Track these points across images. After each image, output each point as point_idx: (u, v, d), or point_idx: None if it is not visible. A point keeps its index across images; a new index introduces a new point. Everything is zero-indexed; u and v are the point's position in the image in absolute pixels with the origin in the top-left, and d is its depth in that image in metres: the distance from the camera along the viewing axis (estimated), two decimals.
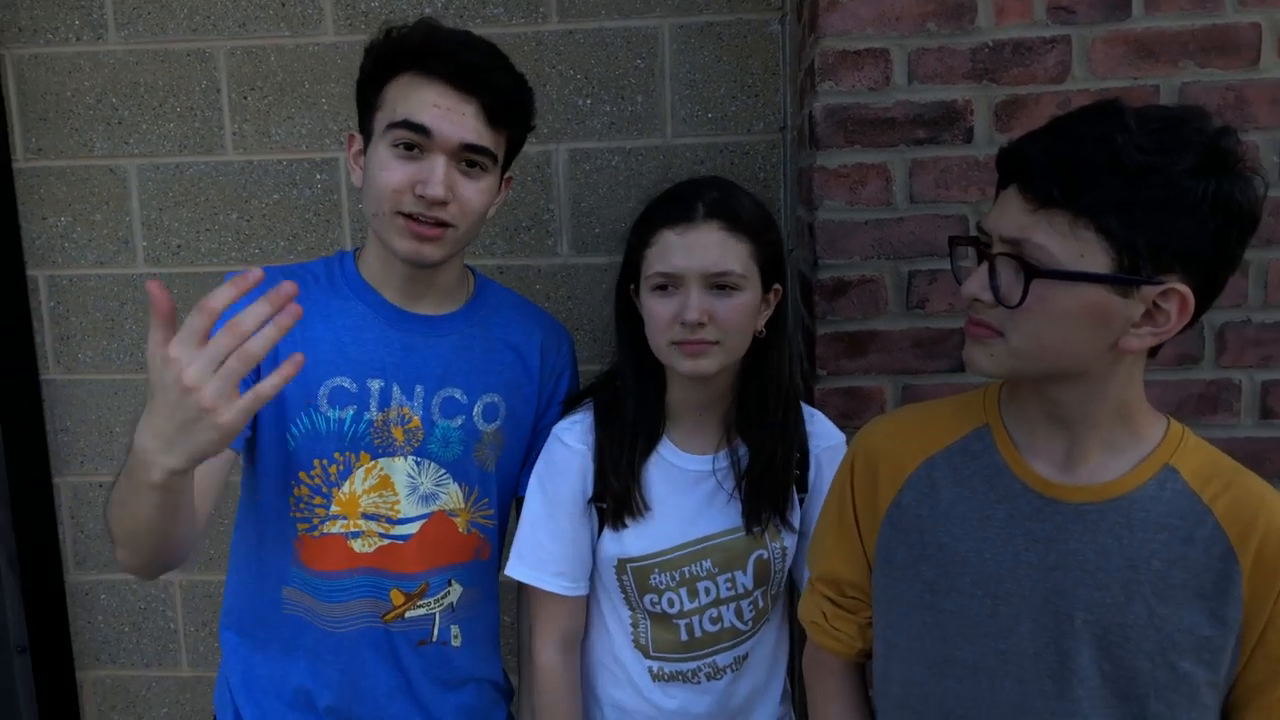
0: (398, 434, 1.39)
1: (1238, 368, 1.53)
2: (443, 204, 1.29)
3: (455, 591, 1.46)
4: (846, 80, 1.52)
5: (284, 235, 2.10)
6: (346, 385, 1.38)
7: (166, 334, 0.96)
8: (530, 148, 2.04)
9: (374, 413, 1.38)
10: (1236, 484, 1.02)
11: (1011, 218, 0.97)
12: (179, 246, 2.13)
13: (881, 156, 1.53)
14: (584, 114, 2.03)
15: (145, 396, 1.05)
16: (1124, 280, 0.93)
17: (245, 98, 2.08)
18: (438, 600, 1.44)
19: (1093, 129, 0.94)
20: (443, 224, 1.31)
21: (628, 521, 1.42)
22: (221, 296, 0.95)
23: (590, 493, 1.43)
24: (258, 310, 0.95)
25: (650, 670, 1.46)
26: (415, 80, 1.29)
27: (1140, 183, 0.90)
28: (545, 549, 1.44)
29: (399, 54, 1.31)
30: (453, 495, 1.43)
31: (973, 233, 1.07)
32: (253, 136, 2.08)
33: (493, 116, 1.31)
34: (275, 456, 1.38)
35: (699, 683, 1.46)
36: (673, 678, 1.46)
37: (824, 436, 1.47)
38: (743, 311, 1.33)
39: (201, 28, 2.06)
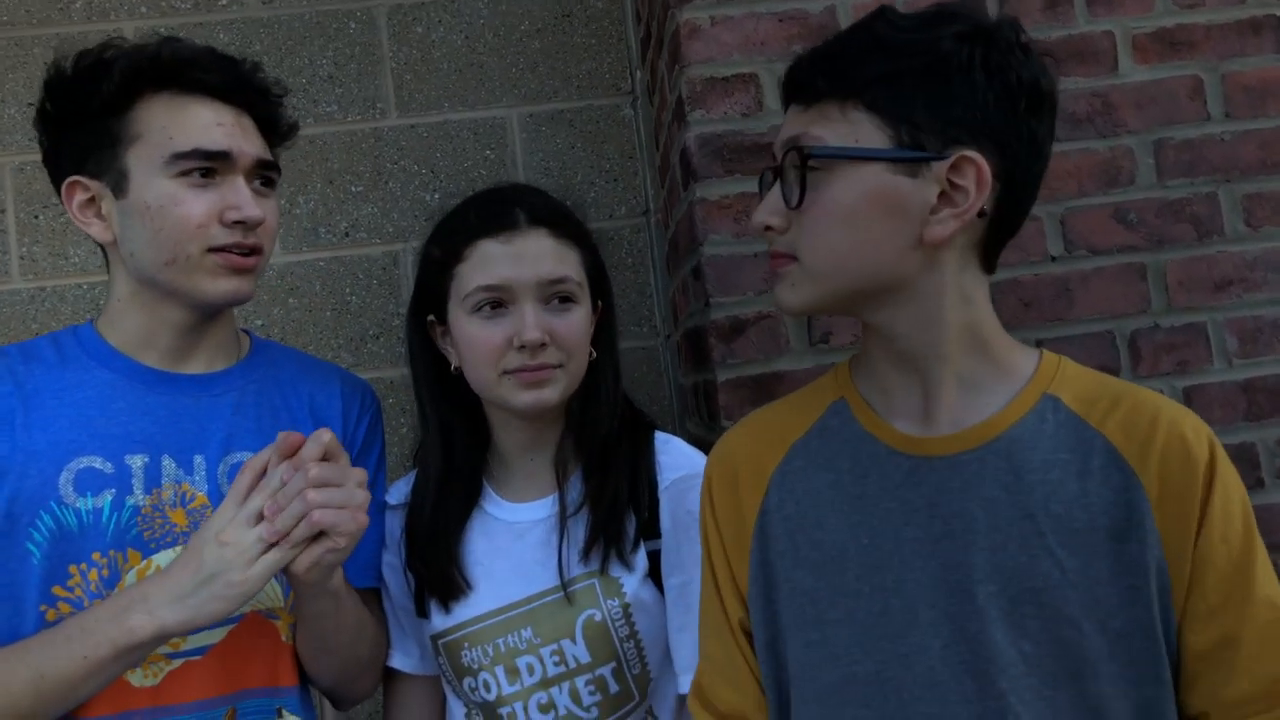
0: (178, 518, 1.10)
1: (1156, 376, 1.44)
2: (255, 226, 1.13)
3: None
4: (717, 108, 1.43)
5: None
6: (98, 465, 1.09)
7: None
8: (375, 248, 1.86)
9: (139, 496, 1.10)
10: (1126, 399, 0.88)
11: (788, 126, 0.92)
12: None
13: None
14: (432, 210, 1.87)
15: None
16: (904, 156, 0.85)
17: (36, 217, 1.82)
18: None
19: (856, 27, 0.91)
20: (255, 250, 1.13)
21: (450, 605, 1.19)
22: (262, 457, 1.00)
23: (404, 558, 1.22)
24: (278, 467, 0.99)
25: None
26: (178, 100, 1.10)
27: (901, 54, 0.85)
28: None
29: (145, 72, 1.10)
30: (267, 588, 1.12)
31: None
32: (45, 259, 1.81)
33: (267, 128, 1.18)
34: (12, 578, 1.05)
35: None
36: None
37: (674, 468, 1.21)
38: (582, 327, 1.19)
39: None
